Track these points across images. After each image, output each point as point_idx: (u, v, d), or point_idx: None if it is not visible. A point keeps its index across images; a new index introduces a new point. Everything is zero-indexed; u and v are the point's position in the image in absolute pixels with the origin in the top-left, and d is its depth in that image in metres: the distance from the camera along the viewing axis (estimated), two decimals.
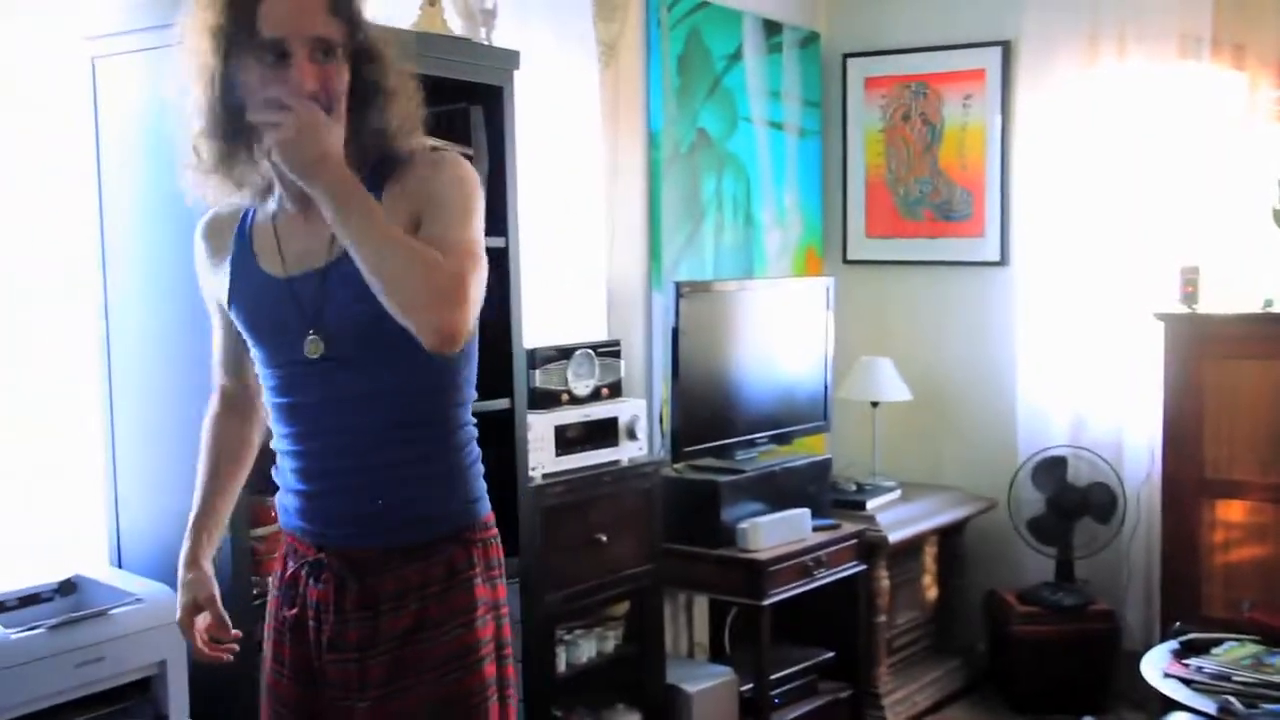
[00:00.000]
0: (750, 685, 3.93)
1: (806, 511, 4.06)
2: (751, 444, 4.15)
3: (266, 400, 1.94)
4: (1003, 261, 4.85)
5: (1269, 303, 4.11)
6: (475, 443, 1.96)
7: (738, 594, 3.91)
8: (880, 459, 4.70)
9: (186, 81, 1.80)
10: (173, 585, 2.37)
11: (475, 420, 1.97)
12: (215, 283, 1.96)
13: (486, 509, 1.95)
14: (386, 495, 1.85)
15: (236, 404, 2.05)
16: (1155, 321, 4.23)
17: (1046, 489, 4.56)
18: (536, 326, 3.45)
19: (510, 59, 3.11)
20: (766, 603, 3.81)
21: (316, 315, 1.82)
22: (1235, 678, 3.16)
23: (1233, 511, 4.13)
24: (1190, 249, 4.34)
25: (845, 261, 5.16)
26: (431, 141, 2.01)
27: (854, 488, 4.52)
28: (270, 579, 2.01)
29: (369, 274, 1.69)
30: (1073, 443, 4.63)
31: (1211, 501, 4.14)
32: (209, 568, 1.99)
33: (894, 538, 4.27)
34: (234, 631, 1.98)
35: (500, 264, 3.11)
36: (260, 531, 2.62)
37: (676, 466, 3.97)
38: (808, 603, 4.04)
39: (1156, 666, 3.34)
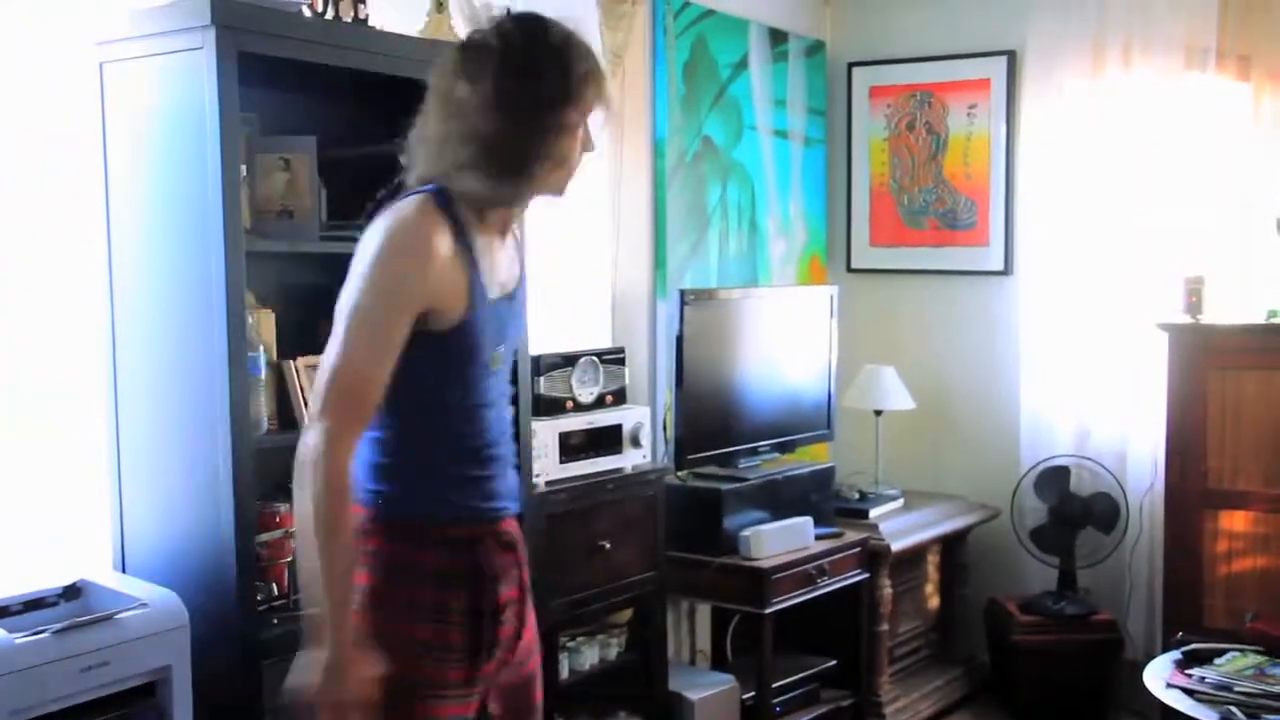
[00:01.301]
0: (752, 693, 3.92)
1: (809, 520, 4.06)
2: (755, 452, 4.16)
3: (443, 405, 2.08)
4: (1007, 271, 4.85)
5: (1273, 314, 4.12)
6: None
7: (740, 602, 3.91)
8: (883, 467, 4.70)
9: (507, 124, 2.01)
10: (176, 590, 2.39)
11: None
12: (445, 288, 2.01)
13: None
14: (515, 471, 2.23)
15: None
16: (1159, 332, 4.23)
17: (1049, 498, 4.56)
18: (541, 333, 3.46)
19: None
20: (769, 611, 3.81)
21: (504, 332, 2.15)
22: (1237, 688, 3.15)
23: (1235, 522, 4.13)
24: (1195, 259, 4.34)
25: (849, 270, 5.17)
26: None
27: (857, 496, 4.52)
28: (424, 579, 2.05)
29: None
30: (1076, 452, 4.63)
31: (1214, 512, 4.14)
32: None
33: (897, 546, 4.27)
34: None
35: None
36: (264, 537, 2.62)
37: (680, 474, 3.97)
38: (810, 611, 4.04)
39: (1159, 677, 3.34)
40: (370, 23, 2.83)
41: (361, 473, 2.05)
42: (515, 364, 2.35)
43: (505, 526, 2.16)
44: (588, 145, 2.12)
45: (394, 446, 2.06)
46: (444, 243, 1.99)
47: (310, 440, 1.95)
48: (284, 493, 2.74)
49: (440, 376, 2.05)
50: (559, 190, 2.12)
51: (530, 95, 2.00)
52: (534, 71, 2.00)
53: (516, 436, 2.38)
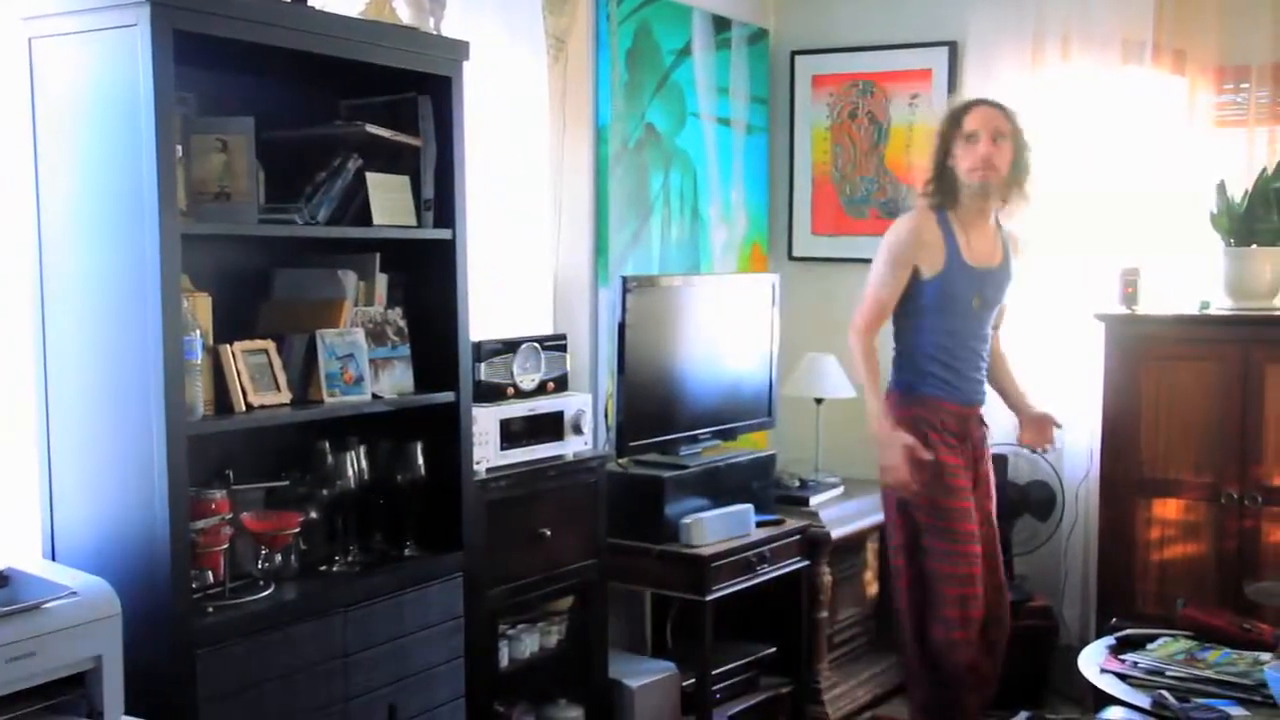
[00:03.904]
0: (692, 680, 3.93)
1: (750, 507, 4.07)
2: (696, 439, 4.16)
3: (931, 332, 3.65)
4: None
5: (1205, 305, 4.18)
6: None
7: (681, 589, 3.91)
8: (824, 455, 4.72)
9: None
10: (108, 579, 2.36)
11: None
12: (925, 257, 3.63)
13: None
14: (985, 378, 3.81)
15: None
16: (1096, 322, 4.28)
17: None
18: (482, 319, 3.43)
19: (459, 49, 3.09)
20: (709, 598, 3.82)
21: (983, 288, 3.66)
22: (1169, 673, 3.20)
23: (1168, 510, 4.19)
24: (1131, 251, 4.39)
25: (791, 258, 5.18)
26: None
27: (797, 484, 4.54)
28: (944, 435, 3.66)
29: None
30: (1013, 441, 4.67)
31: (1148, 500, 4.20)
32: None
33: (836, 534, 4.29)
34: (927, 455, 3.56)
35: (447, 256, 3.09)
36: (199, 525, 2.58)
37: (621, 461, 3.96)
38: (750, 598, 4.05)
39: (1093, 662, 3.37)
40: (310, 3, 2.79)
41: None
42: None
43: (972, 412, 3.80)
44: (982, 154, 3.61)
45: None
46: (924, 226, 3.69)
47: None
48: (220, 478, 2.72)
49: (936, 317, 3.70)
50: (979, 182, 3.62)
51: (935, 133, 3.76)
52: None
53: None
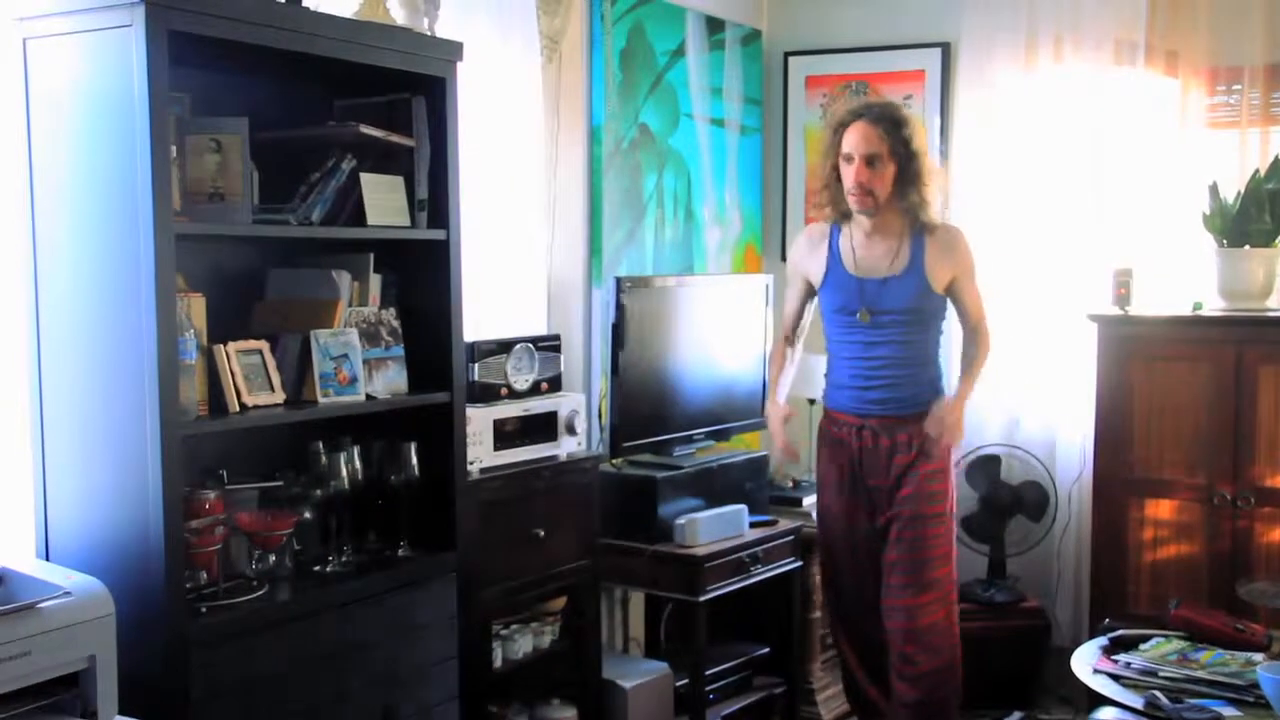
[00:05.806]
0: (685, 680, 3.93)
1: (743, 508, 4.07)
2: (689, 440, 4.16)
3: (829, 340, 3.76)
4: None
5: (1198, 306, 4.19)
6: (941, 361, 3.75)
7: (674, 590, 3.91)
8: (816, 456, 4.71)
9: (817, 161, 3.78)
10: (102, 579, 2.35)
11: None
12: (810, 268, 3.74)
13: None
14: (896, 391, 3.62)
15: (791, 341, 3.90)
16: (1089, 323, 4.29)
17: (980, 487, 4.61)
18: (476, 320, 3.43)
19: (453, 50, 3.09)
20: (703, 599, 3.82)
21: (869, 300, 3.60)
22: (1161, 673, 3.20)
23: (1161, 510, 4.20)
24: (1123, 252, 4.40)
25: (784, 259, 5.17)
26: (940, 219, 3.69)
27: (790, 484, 4.54)
28: (823, 443, 3.82)
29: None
30: (1006, 441, 4.69)
31: (1140, 500, 4.21)
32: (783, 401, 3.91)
33: None
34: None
35: (441, 257, 3.09)
36: (194, 524, 2.58)
37: (614, 462, 3.97)
38: (743, 598, 4.06)
39: (1086, 662, 3.38)
40: (304, 3, 2.78)
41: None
42: None
43: (870, 420, 3.68)
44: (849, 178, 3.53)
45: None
46: (809, 235, 3.90)
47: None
48: (213, 479, 2.72)
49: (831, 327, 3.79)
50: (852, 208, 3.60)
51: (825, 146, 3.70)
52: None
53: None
